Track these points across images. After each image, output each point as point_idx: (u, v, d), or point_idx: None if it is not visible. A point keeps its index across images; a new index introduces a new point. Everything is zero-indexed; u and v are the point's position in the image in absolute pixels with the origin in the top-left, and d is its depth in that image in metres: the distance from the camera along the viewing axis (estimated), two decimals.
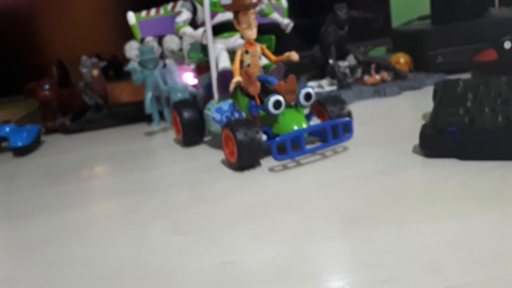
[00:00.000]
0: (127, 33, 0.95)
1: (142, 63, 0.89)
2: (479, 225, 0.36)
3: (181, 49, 0.94)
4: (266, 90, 0.58)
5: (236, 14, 0.59)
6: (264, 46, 0.62)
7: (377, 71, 0.93)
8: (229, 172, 0.57)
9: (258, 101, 0.58)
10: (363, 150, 0.57)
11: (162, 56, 0.96)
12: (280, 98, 0.54)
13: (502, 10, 1.00)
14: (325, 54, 0.93)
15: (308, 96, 0.56)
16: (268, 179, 0.53)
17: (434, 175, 0.47)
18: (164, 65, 0.93)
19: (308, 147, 0.56)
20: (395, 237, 0.36)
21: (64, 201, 0.56)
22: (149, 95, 0.90)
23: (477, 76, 0.80)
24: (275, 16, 0.70)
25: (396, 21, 1.20)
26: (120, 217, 0.49)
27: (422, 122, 0.66)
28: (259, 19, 0.65)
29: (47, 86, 0.97)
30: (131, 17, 0.70)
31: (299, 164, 0.56)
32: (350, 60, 0.94)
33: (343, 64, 0.94)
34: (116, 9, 1.07)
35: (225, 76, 0.61)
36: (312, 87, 0.58)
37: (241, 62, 0.59)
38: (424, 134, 0.50)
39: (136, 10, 0.72)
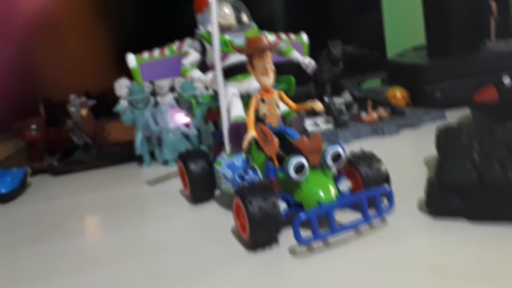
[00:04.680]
0: (117, 70, 0.94)
1: (132, 103, 0.86)
2: None
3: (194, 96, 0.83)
4: (285, 146, 0.50)
5: (250, 57, 0.51)
6: (282, 92, 0.54)
7: (374, 106, 0.91)
8: (239, 248, 0.48)
9: (276, 162, 0.50)
10: None
11: (154, 93, 0.93)
12: (303, 160, 0.46)
13: (499, 43, 0.98)
14: (320, 91, 0.91)
15: (337, 157, 0.48)
16: (288, 263, 0.43)
17: (443, 243, 0.43)
18: (156, 104, 0.90)
19: (337, 216, 0.47)
20: None
21: (42, 266, 0.51)
22: (139, 136, 0.87)
23: (478, 118, 0.78)
24: (295, 55, 0.63)
25: (390, 50, 1.18)
26: None
27: (425, 168, 0.63)
28: (276, 57, 0.57)
29: (34, 126, 0.94)
30: (131, 59, 0.61)
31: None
32: (346, 96, 0.92)
33: (339, 100, 0.91)
34: (107, 45, 1.04)
35: (238, 128, 0.54)
36: (341, 144, 0.48)
37: (256, 110, 0.52)
38: (431, 193, 0.47)
39: (126, 46, 0.64)
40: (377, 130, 0.84)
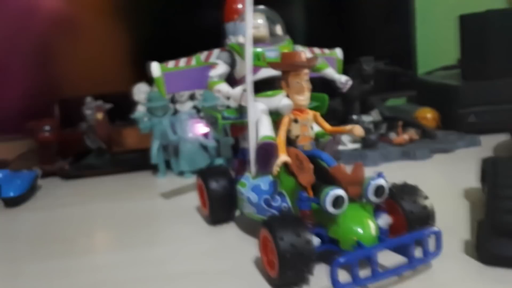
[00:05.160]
0: (137, 75, 0.90)
1: (150, 110, 0.83)
2: None
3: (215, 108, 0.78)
4: (319, 172, 0.45)
5: (285, 74, 0.47)
6: (318, 114, 0.49)
7: (403, 127, 0.86)
8: (264, 285, 0.42)
9: (310, 192, 0.44)
10: None
11: (173, 101, 0.89)
12: (342, 193, 0.41)
13: None
14: (347, 108, 0.86)
15: (380, 191, 0.43)
16: None
17: None
18: (175, 112, 0.86)
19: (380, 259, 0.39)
20: None
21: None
22: (156, 145, 0.83)
23: None
24: (329, 72, 0.59)
25: (420, 69, 1.13)
26: None
27: (466, 202, 0.58)
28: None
29: (47, 127, 0.91)
30: (155, 68, 0.57)
31: None
32: (375, 115, 0.87)
33: (367, 119, 0.86)
34: (127, 49, 1.01)
35: (266, 150, 0.49)
36: (383, 176, 0.43)
37: (288, 131, 0.47)
38: (482, 237, 0.42)
39: (147, 50, 0.60)
40: (408, 153, 0.79)
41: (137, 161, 0.90)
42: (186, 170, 0.83)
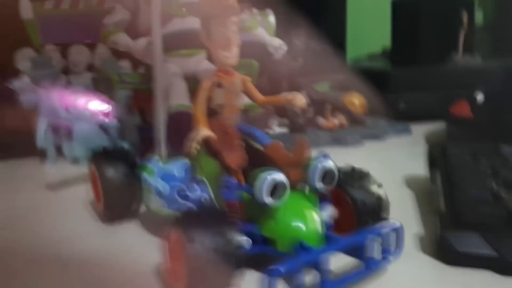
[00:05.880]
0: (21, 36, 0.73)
1: (35, 80, 0.67)
2: None
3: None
4: (250, 153, 0.35)
5: (206, 21, 0.36)
6: (247, 79, 0.39)
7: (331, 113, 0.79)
8: None
9: (240, 177, 0.34)
10: None
11: (66, 72, 0.74)
12: (283, 178, 0.31)
13: (466, 58, 0.91)
14: (274, 88, 0.77)
15: (328, 177, 0.33)
16: None
17: None
18: (68, 84, 0.71)
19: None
20: None
21: None
22: (43, 124, 0.68)
23: (453, 132, 0.69)
24: (261, 33, 0.49)
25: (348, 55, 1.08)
26: None
27: (409, 191, 0.51)
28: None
29: None
30: (26, 7, 0.44)
31: None
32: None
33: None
34: None
35: (179, 121, 0.39)
36: (330, 157, 0.34)
37: (208, 99, 0.36)
38: (446, 234, 0.34)
39: None
40: (339, 139, 0.72)
41: (20, 145, 0.74)
42: (81, 155, 0.68)
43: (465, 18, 0.90)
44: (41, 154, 0.72)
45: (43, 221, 0.50)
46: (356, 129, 0.77)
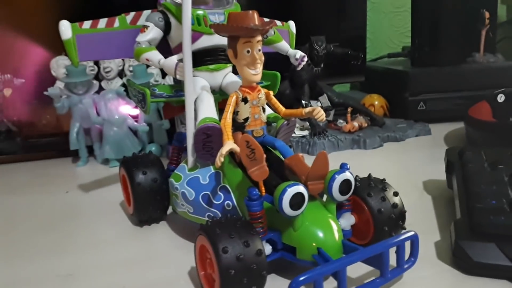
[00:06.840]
0: (58, 46, 0.76)
1: (69, 87, 0.70)
2: None
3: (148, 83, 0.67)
4: (272, 164, 0.37)
5: (233, 40, 0.37)
6: (270, 93, 0.40)
7: (351, 114, 0.80)
8: None
9: (262, 189, 0.36)
10: None
11: (98, 78, 0.77)
12: (302, 190, 0.33)
13: (488, 56, 0.91)
14: (296, 93, 0.79)
15: (345, 187, 0.35)
16: None
17: None
18: (99, 90, 0.74)
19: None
20: None
21: None
22: (75, 127, 0.71)
23: (472, 133, 0.69)
24: (283, 46, 0.49)
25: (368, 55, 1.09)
26: None
27: (427, 195, 0.53)
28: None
29: None
30: (65, 28, 0.44)
31: None
32: (324, 101, 0.81)
33: (315, 105, 0.80)
34: (45, 14, 0.86)
35: (207, 135, 0.40)
36: (348, 168, 0.36)
37: (235, 113, 0.38)
38: (462, 244, 0.36)
39: (73, 15, 0.45)
40: (359, 142, 0.73)
41: (54, 146, 0.78)
42: (111, 158, 0.71)
43: (486, 16, 0.90)
44: (74, 156, 0.76)
45: (72, 222, 0.52)
46: (375, 131, 0.78)
